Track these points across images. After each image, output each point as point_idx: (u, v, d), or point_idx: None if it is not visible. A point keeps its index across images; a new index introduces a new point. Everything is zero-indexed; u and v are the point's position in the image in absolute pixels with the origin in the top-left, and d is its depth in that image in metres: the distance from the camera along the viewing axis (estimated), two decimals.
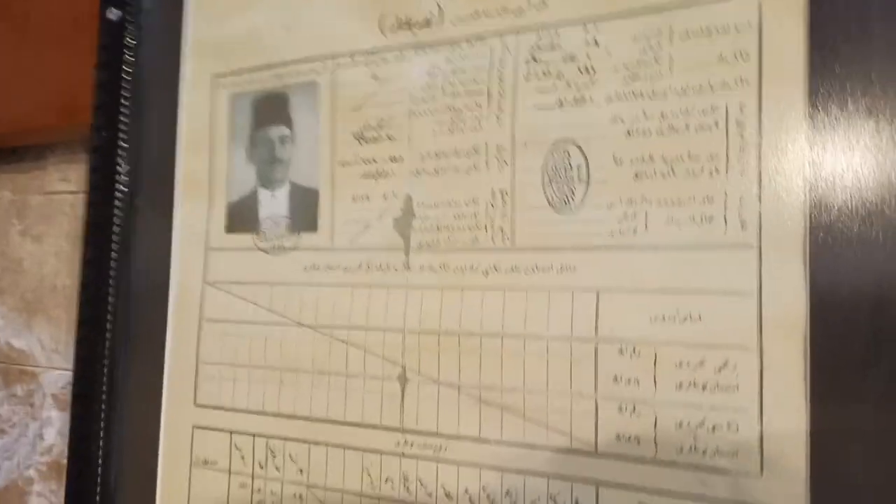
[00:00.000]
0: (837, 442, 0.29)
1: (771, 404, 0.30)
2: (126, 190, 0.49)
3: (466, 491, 0.36)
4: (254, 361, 0.43)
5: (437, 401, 0.37)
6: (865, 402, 0.29)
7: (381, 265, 0.40)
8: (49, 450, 0.57)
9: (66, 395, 0.56)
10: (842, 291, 0.29)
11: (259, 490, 0.42)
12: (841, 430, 0.29)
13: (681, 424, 0.31)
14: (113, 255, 0.49)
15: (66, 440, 0.51)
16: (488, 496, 0.35)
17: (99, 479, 0.48)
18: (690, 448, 0.31)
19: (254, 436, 0.43)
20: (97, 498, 0.48)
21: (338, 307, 0.41)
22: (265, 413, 0.43)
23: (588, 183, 0.34)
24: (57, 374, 0.58)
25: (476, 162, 0.37)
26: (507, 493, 0.35)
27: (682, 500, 0.31)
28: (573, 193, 0.35)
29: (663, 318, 0.32)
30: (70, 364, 0.54)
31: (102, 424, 0.48)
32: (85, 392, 0.49)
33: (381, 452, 0.39)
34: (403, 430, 0.38)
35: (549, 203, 0.35)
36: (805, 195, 0.30)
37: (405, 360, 0.38)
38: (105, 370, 0.48)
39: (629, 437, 0.32)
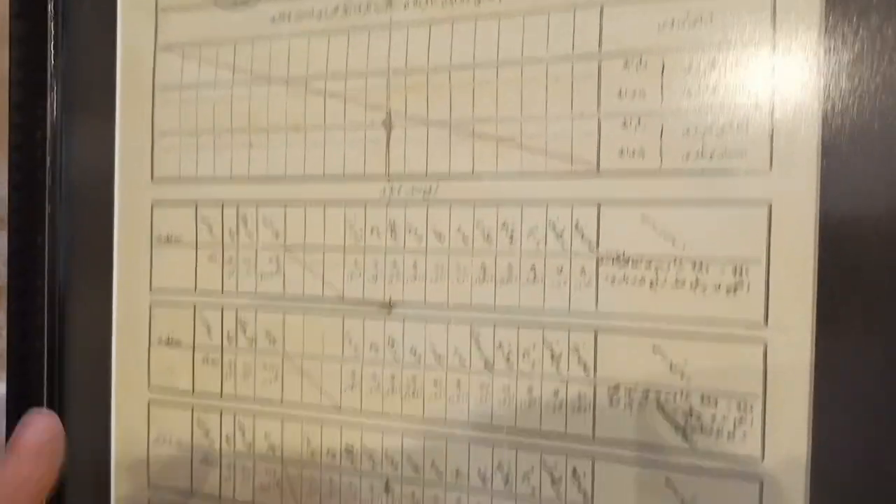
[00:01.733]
0: (850, 131, 0.29)
1: (783, 100, 0.29)
2: None
3: (459, 229, 0.35)
4: (218, 127, 0.40)
5: (425, 143, 0.35)
6: (882, 82, 0.28)
7: (360, 7, 0.37)
8: None
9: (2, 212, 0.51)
10: None
11: (230, 260, 0.40)
12: (855, 115, 0.29)
13: (688, 131, 0.31)
14: (50, 29, 0.43)
15: (5, 260, 0.47)
16: (482, 231, 0.34)
17: (46, 286, 0.44)
18: (697, 153, 0.30)
19: (222, 204, 0.40)
20: (45, 309, 0.44)
21: (313, 57, 0.38)
22: (234, 180, 0.40)
23: None
24: None
25: None
26: (504, 224, 0.34)
27: (687, 207, 0.31)
28: None
29: (672, 23, 0.31)
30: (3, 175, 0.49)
31: (47, 223, 0.44)
32: (23, 199, 0.44)
33: (365, 203, 0.37)
34: (389, 178, 0.36)
35: None
36: None
37: (390, 104, 0.36)
38: (46, 158, 0.44)
39: (633, 152, 0.32)
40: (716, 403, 0.30)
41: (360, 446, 0.37)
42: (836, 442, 0.29)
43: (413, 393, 0.36)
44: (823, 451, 0.29)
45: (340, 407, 0.37)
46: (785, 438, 0.29)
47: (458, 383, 0.35)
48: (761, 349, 0.30)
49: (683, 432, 0.31)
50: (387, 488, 0.36)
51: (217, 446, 0.40)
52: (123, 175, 0.42)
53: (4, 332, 0.46)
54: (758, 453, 0.30)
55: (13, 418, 0.45)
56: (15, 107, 0.44)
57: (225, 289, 0.40)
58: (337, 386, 0.37)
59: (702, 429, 0.31)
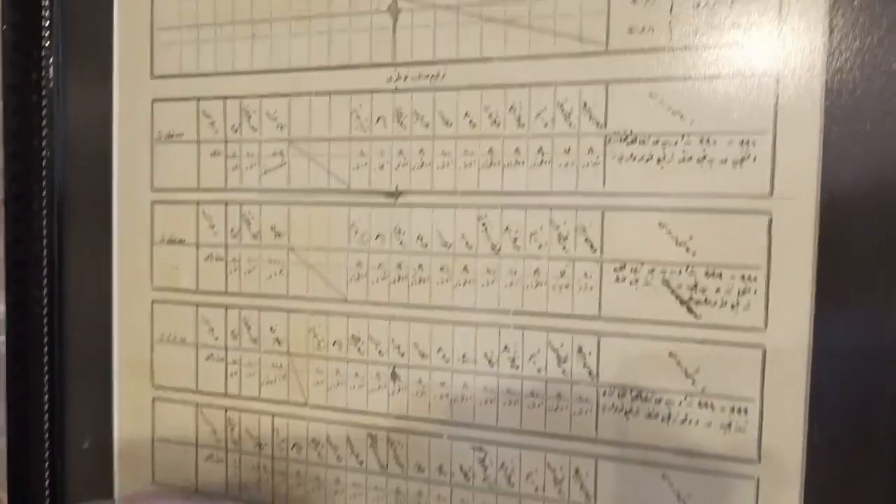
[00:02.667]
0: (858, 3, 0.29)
1: None
2: None
3: (467, 114, 0.35)
4: (219, 19, 0.39)
5: (433, 27, 0.35)
6: None
7: None
8: None
9: None
10: None
11: (234, 155, 0.40)
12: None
13: (698, 5, 0.31)
14: None
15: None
16: (490, 115, 0.34)
17: (44, 189, 0.43)
18: (707, 27, 0.31)
19: (225, 98, 0.40)
20: (43, 213, 0.43)
21: None
22: (236, 73, 0.39)
23: None
24: None
25: None
26: (512, 108, 0.34)
27: (695, 82, 0.31)
28: None
29: None
30: None
31: (44, 124, 0.43)
32: (18, 101, 0.43)
33: (371, 91, 0.36)
34: (396, 65, 0.36)
35: None
36: None
37: None
38: (41, 58, 0.43)
39: (643, 28, 0.32)
40: (720, 276, 0.31)
41: (367, 336, 0.37)
42: (839, 309, 0.30)
43: (420, 280, 0.36)
44: (826, 319, 0.30)
45: (347, 298, 0.38)
46: (788, 307, 0.30)
47: (466, 268, 0.35)
48: (766, 221, 0.30)
49: (688, 306, 0.32)
50: (393, 375, 0.37)
51: (222, 343, 0.41)
52: (122, 71, 0.42)
53: (1, 241, 0.46)
54: (761, 323, 0.31)
55: (13, 326, 0.45)
56: None
57: (229, 184, 0.40)
58: (343, 277, 0.38)
59: (706, 301, 0.31)
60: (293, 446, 0.39)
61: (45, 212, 0.43)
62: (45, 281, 0.44)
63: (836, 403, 0.30)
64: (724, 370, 0.31)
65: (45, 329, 0.44)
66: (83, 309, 0.43)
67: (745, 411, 0.31)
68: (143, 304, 0.42)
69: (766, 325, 0.31)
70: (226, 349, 0.40)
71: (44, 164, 0.43)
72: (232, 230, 0.40)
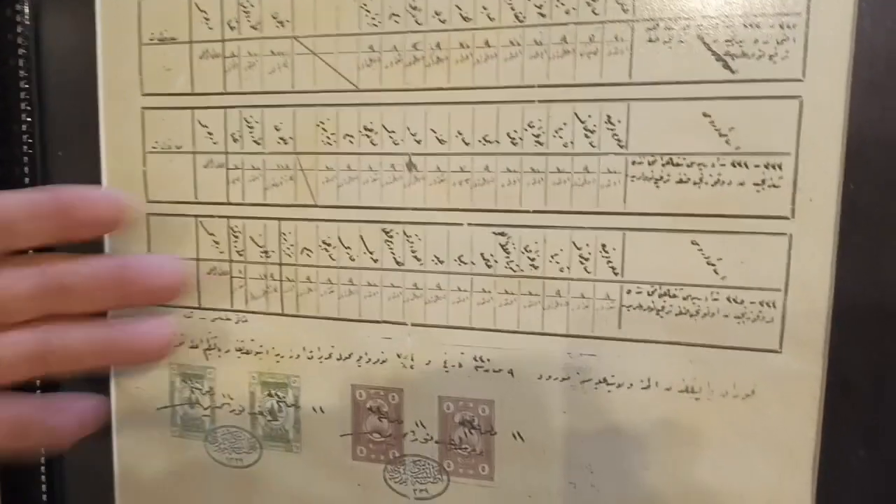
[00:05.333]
0: None
1: None
2: None
3: None
4: None
5: None
6: None
7: None
8: None
9: None
10: None
11: None
12: None
13: None
14: None
15: None
16: None
17: None
18: None
19: None
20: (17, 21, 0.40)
21: None
22: None
23: None
24: None
25: None
26: None
27: None
28: None
29: None
30: None
31: None
32: None
33: None
34: None
35: None
36: None
37: None
38: None
39: None
40: (758, 26, 0.30)
41: (381, 125, 0.36)
42: (881, 49, 0.29)
43: (437, 60, 0.34)
44: (866, 61, 0.29)
45: (358, 86, 0.36)
46: (827, 55, 0.29)
47: (487, 42, 0.33)
48: None
49: (724, 62, 0.31)
50: (409, 165, 0.35)
51: (222, 147, 0.38)
52: None
53: None
54: (799, 73, 0.30)
55: None
56: None
57: None
58: (353, 64, 0.35)
59: (743, 54, 0.30)
60: (302, 250, 0.38)
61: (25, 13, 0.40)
62: (21, 89, 0.40)
63: (872, 154, 0.30)
64: (759, 126, 0.31)
65: (27, 148, 0.41)
66: (65, 119, 0.40)
67: (780, 167, 0.30)
68: (133, 112, 0.39)
69: (803, 75, 0.30)
70: (226, 154, 0.38)
71: None
72: (229, 22, 0.37)
